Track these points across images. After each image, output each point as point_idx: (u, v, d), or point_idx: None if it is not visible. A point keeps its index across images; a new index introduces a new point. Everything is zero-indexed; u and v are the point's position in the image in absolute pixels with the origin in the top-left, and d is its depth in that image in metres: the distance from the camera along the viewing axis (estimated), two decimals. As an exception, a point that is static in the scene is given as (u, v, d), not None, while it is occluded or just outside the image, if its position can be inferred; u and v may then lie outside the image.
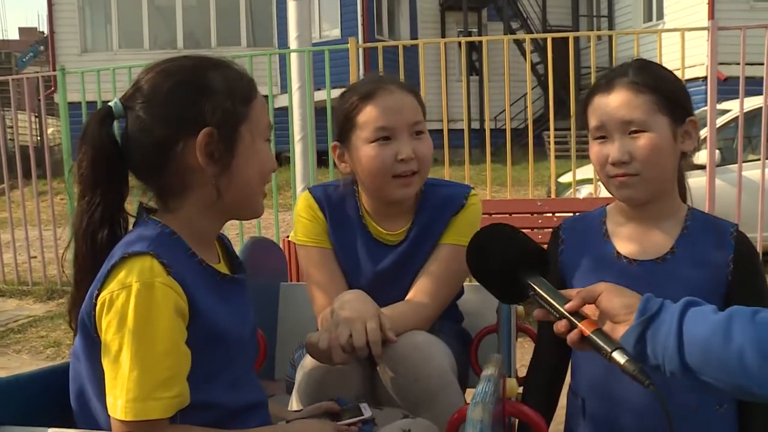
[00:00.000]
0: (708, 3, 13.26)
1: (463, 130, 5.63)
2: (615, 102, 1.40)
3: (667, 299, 1.12)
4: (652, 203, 1.45)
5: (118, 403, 1.08)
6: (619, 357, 1.08)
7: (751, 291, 1.40)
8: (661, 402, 1.04)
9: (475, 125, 14.36)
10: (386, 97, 1.62)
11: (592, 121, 1.44)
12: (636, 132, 1.39)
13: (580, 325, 1.13)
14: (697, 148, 1.48)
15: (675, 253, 1.44)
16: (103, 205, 1.19)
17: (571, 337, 1.15)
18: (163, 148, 1.17)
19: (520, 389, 1.67)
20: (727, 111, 6.23)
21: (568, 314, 1.15)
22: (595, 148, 1.44)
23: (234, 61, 1.27)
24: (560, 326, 1.17)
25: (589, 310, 1.16)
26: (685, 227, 1.46)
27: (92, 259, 1.18)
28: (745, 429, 1.43)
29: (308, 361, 1.52)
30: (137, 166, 1.21)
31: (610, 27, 16.58)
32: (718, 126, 5.74)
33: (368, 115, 1.62)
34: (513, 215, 4.99)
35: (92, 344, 1.13)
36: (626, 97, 1.39)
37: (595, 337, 1.11)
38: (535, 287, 1.20)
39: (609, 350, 1.09)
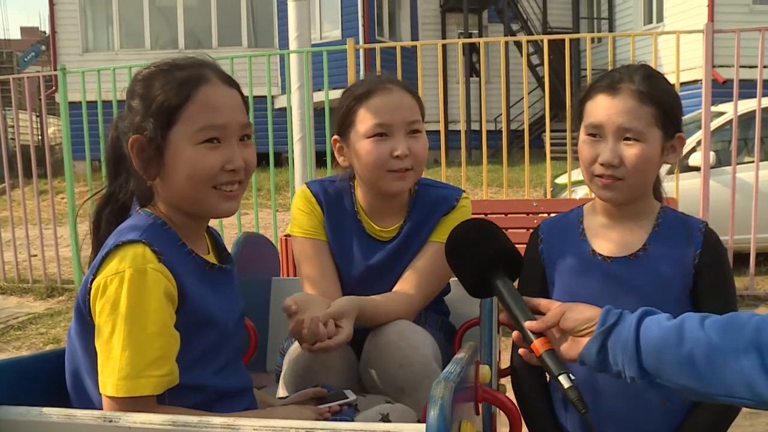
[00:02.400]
0: (708, 6, 13.29)
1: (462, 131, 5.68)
2: (618, 107, 1.42)
3: (626, 309, 1.18)
4: (629, 204, 1.50)
5: (109, 381, 1.13)
6: (564, 381, 1.15)
7: (714, 285, 1.45)
8: (592, 429, 1.14)
9: (477, 127, 14.42)
10: (385, 95, 1.69)
11: (590, 118, 1.47)
12: (630, 140, 1.42)
13: (534, 342, 1.20)
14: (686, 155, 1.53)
15: (647, 250, 1.49)
16: (108, 191, 1.33)
17: (523, 352, 1.23)
18: (125, 150, 1.27)
19: (502, 380, 1.71)
20: (723, 113, 6.26)
21: (525, 328, 1.21)
22: (586, 145, 1.48)
23: (199, 59, 1.30)
24: (515, 336, 1.24)
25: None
26: (657, 225, 1.51)
27: (97, 242, 1.29)
28: (695, 414, 1.48)
29: (293, 349, 1.57)
30: (128, 162, 1.29)
31: (611, 29, 16.61)
32: (713, 128, 5.78)
33: (367, 112, 1.69)
34: (509, 215, 5.03)
35: (86, 328, 1.20)
36: (630, 104, 1.42)
37: (546, 358, 1.19)
38: (501, 290, 1.25)
39: (555, 373, 1.16)
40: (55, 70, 6.30)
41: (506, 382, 1.76)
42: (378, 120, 1.67)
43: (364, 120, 1.68)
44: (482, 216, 5.55)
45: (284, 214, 8.54)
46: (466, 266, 1.30)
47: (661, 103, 1.43)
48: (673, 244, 1.49)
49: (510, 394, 1.63)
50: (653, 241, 1.49)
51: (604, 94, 1.45)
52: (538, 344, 1.19)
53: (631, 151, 1.42)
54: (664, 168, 1.57)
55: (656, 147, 1.44)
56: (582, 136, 1.50)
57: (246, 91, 1.38)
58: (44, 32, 23.30)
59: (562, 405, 1.56)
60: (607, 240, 1.52)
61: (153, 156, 1.23)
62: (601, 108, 1.45)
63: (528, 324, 1.21)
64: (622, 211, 1.51)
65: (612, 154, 1.43)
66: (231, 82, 1.30)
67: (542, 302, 1.25)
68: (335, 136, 1.78)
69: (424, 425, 0.90)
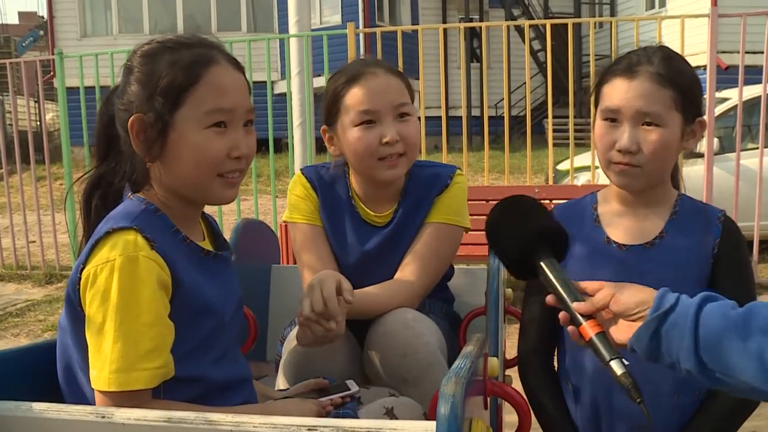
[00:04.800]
0: (711, -10, 13.17)
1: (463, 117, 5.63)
2: (636, 90, 1.37)
3: (671, 289, 1.08)
4: (646, 191, 1.46)
5: (101, 375, 1.09)
6: (616, 367, 1.05)
7: (733, 274, 1.41)
8: (647, 417, 1.03)
9: (477, 112, 14.34)
10: (371, 80, 1.63)
11: (606, 102, 1.42)
12: (649, 124, 1.37)
13: (584, 324, 1.10)
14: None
15: (663, 238, 1.45)
16: (97, 173, 1.27)
17: (572, 332, 1.12)
18: (124, 130, 1.20)
19: (509, 371, 1.67)
20: (727, 99, 6.20)
21: (573, 311, 1.12)
22: (602, 129, 1.42)
23: (207, 40, 1.25)
24: (563, 317, 1.14)
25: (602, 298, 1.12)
26: (674, 213, 1.47)
27: (87, 226, 1.24)
28: (707, 407, 1.44)
29: (293, 337, 1.53)
30: (121, 143, 1.23)
31: (612, 14, 16.50)
32: (717, 114, 5.73)
33: (353, 99, 1.63)
34: (510, 202, 4.98)
35: (77, 319, 1.15)
36: (649, 87, 1.37)
37: (596, 341, 1.08)
38: (546, 271, 1.16)
39: (607, 358, 1.06)
40: (53, 55, 6.22)
41: (511, 372, 1.72)
42: (364, 107, 1.61)
43: (350, 108, 1.63)
44: (483, 202, 5.48)
45: (284, 200, 8.48)
46: (507, 248, 1.21)
47: (681, 85, 1.38)
48: (691, 232, 1.44)
49: (515, 384, 1.59)
50: (670, 229, 1.45)
51: (621, 78, 1.40)
52: (587, 327, 1.09)
53: (650, 137, 1.37)
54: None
55: (676, 132, 1.39)
56: (598, 120, 1.44)
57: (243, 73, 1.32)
58: (42, 17, 23.15)
59: (572, 396, 1.51)
60: (622, 227, 1.48)
61: (156, 137, 1.17)
62: (619, 92, 1.39)
63: (576, 305, 1.11)
64: (638, 198, 1.46)
65: (630, 140, 1.37)
66: (237, 65, 1.26)
67: (592, 284, 1.15)
68: (324, 126, 1.72)
69: (433, 423, 0.86)
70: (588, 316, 1.11)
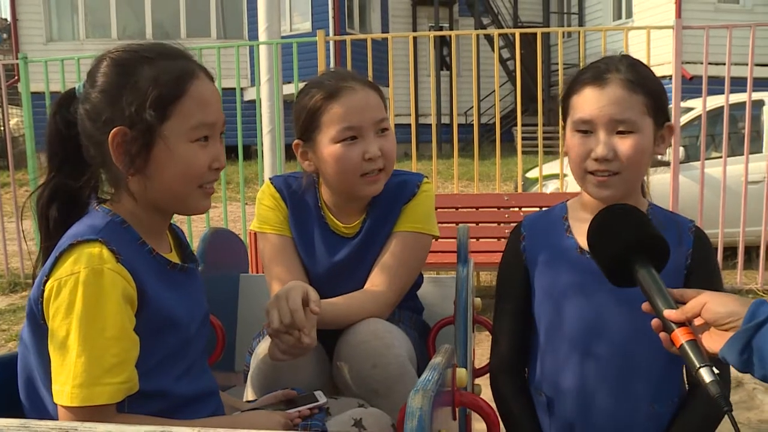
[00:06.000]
0: (675, 3, 13.46)
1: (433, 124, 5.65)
2: (609, 98, 1.37)
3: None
4: (620, 201, 1.46)
5: (64, 390, 1.07)
6: (705, 375, 1.02)
7: (706, 284, 1.41)
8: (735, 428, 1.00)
9: (447, 120, 14.41)
10: (351, 96, 1.61)
11: (578, 113, 1.41)
12: (623, 132, 1.37)
13: (675, 330, 1.09)
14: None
15: None
16: (54, 183, 1.22)
17: (664, 339, 1.11)
18: (94, 141, 1.18)
19: (477, 380, 1.67)
20: (691, 109, 6.33)
21: (665, 318, 1.10)
22: (575, 140, 1.41)
23: (184, 51, 1.24)
24: (655, 324, 1.13)
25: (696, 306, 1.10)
26: None
27: (46, 238, 1.20)
28: (683, 417, 1.46)
29: (261, 349, 1.52)
30: (84, 152, 1.20)
31: (580, 24, 16.75)
32: (682, 124, 5.84)
33: (333, 115, 1.61)
34: (480, 209, 5.02)
35: (40, 332, 1.13)
36: (620, 94, 1.36)
37: (687, 348, 1.06)
38: (641, 278, 1.15)
39: (697, 365, 1.03)
40: (17, 59, 6.12)
41: (480, 381, 1.72)
42: (346, 123, 1.60)
43: (331, 124, 1.61)
44: (452, 210, 5.50)
45: (253, 207, 8.43)
46: (607, 251, 1.19)
47: (651, 91, 1.39)
48: None
49: (484, 393, 1.60)
50: None
51: (591, 87, 1.40)
52: (679, 334, 1.07)
53: (625, 144, 1.37)
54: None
55: (649, 137, 1.39)
56: (570, 132, 1.43)
57: (215, 83, 1.32)
58: (6, 20, 22.74)
59: (545, 407, 1.51)
60: None
61: (139, 150, 1.15)
62: (590, 101, 1.39)
63: (667, 313, 1.10)
64: None
65: (606, 148, 1.37)
66: (211, 77, 1.25)
67: (688, 292, 1.13)
68: (298, 141, 1.70)
69: (400, 437, 0.86)
70: (681, 324, 1.09)
